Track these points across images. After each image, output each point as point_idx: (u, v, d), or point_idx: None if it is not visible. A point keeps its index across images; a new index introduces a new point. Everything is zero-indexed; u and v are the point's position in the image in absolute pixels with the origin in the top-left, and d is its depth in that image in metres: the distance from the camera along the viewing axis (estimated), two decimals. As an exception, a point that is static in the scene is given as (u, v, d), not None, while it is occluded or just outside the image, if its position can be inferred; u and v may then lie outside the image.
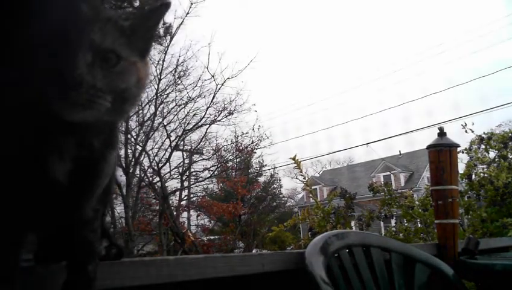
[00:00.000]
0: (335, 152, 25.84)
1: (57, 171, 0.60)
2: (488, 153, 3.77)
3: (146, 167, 10.34)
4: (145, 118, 10.07)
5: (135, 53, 0.62)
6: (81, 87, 0.53)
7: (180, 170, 12.02)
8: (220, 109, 10.74)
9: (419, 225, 3.50)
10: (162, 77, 9.88)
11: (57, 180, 0.60)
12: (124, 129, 8.37)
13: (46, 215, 0.66)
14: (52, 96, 0.53)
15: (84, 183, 0.65)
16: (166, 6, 0.64)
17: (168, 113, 10.38)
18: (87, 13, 0.57)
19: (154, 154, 10.34)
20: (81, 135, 0.61)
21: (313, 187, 3.42)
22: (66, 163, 0.60)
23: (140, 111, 9.93)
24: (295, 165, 3.26)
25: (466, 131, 3.89)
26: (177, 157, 11.93)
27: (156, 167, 9.86)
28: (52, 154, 0.60)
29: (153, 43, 0.72)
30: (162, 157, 10.33)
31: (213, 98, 10.30)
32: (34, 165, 0.59)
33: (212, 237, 14.00)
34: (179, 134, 10.46)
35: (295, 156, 3.22)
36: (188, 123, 10.48)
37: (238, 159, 13.65)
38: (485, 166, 3.61)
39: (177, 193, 12.42)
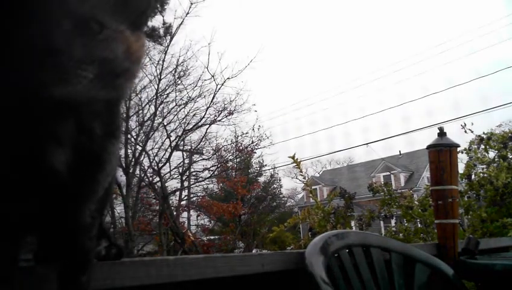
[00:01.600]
0: (335, 152, 25.83)
1: (56, 160, 0.57)
2: (488, 153, 3.77)
3: (146, 167, 10.35)
4: (145, 118, 10.08)
5: (124, 24, 0.58)
6: (56, 56, 0.49)
7: (180, 170, 12.02)
8: (220, 109, 10.74)
9: (419, 225, 3.50)
10: (162, 77, 9.88)
11: (55, 170, 0.57)
12: (124, 129, 8.37)
13: (45, 209, 0.63)
14: (29, 69, 0.49)
15: (86, 176, 0.62)
16: None
17: (168, 113, 10.38)
18: None
19: (154, 154, 10.35)
20: (78, 117, 0.58)
21: (313, 187, 3.42)
22: (65, 151, 0.58)
23: (140, 111, 9.94)
24: (295, 164, 3.26)
25: (466, 131, 3.90)
26: (177, 157, 11.95)
27: (156, 167, 9.86)
28: (50, 141, 0.57)
29: (149, 18, 0.69)
30: (162, 157, 10.33)
31: (213, 98, 10.30)
32: (30, 154, 0.56)
33: (212, 237, 14.00)
34: (179, 134, 10.47)
35: (294, 155, 3.22)
36: (188, 123, 10.49)
37: (238, 159, 13.65)
38: (484, 166, 3.61)
39: (177, 193, 12.42)
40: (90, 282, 0.68)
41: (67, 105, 0.55)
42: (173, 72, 10.11)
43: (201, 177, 13.18)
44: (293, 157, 3.22)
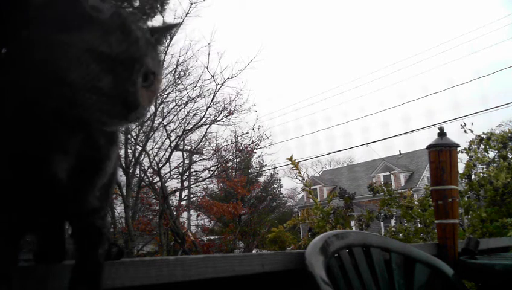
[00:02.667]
0: (335, 152, 25.89)
1: (60, 169, 0.61)
2: (488, 153, 3.77)
3: (146, 167, 10.34)
4: (145, 118, 10.05)
5: (160, 69, 0.66)
6: (137, 109, 0.57)
7: (180, 170, 12.02)
8: (220, 109, 10.74)
9: (419, 225, 3.50)
10: (162, 77, 9.85)
11: (58, 179, 0.61)
12: (124, 129, 8.37)
13: (45, 212, 0.66)
14: (110, 115, 0.56)
15: (87, 181, 0.66)
16: (177, 25, 0.70)
17: (168, 113, 10.38)
18: (141, 38, 0.60)
19: (154, 154, 10.34)
20: (88, 133, 0.63)
21: (312, 187, 3.43)
22: (70, 160, 0.61)
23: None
24: (293, 166, 3.26)
25: (466, 131, 3.90)
26: (177, 157, 11.95)
27: (156, 167, 9.85)
28: (58, 153, 0.60)
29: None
30: (162, 157, 10.33)
31: (213, 98, 10.30)
32: (36, 163, 0.60)
33: (212, 237, 13.99)
34: (179, 134, 10.46)
35: (291, 156, 3.22)
36: (188, 123, 10.49)
37: (238, 159, 13.65)
38: (484, 166, 3.61)
39: (177, 193, 12.42)
40: (105, 257, 0.72)
41: (87, 124, 0.60)
42: (173, 72, 10.12)
43: (201, 177, 13.19)
44: (290, 159, 3.22)
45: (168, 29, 0.74)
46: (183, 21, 9.49)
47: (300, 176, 3.42)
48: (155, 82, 0.63)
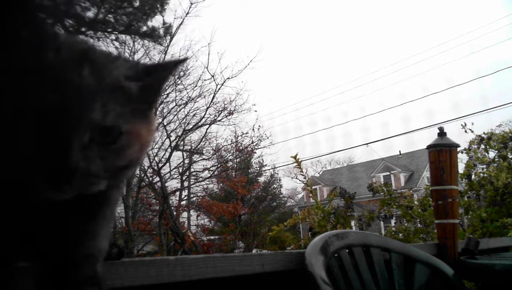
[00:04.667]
0: (335, 152, 25.90)
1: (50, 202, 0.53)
2: (488, 153, 3.77)
3: (146, 167, 10.34)
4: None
5: (141, 115, 0.54)
6: (74, 177, 0.46)
7: (180, 170, 12.03)
8: (220, 109, 10.75)
9: (419, 225, 3.50)
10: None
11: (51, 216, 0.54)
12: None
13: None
14: (39, 185, 0.46)
15: (82, 224, 0.59)
16: (184, 61, 0.59)
17: (168, 113, 10.39)
18: (89, 81, 0.47)
19: (154, 154, 10.34)
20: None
21: (313, 187, 3.41)
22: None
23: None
24: (296, 164, 3.25)
25: (466, 131, 3.90)
26: (177, 157, 11.96)
27: (156, 167, 9.86)
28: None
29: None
30: (162, 157, 10.34)
31: (213, 98, 10.30)
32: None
33: (212, 237, 14.00)
34: (179, 134, 10.47)
35: (296, 154, 3.22)
36: (188, 123, 10.49)
37: (238, 159, 13.65)
38: (484, 166, 3.61)
39: (177, 193, 12.43)
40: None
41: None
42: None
43: (201, 177, 13.20)
44: (295, 157, 3.22)
45: (175, 66, 0.58)
46: (183, 21, 9.51)
47: (302, 174, 3.42)
48: (123, 138, 0.50)
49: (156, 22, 9.31)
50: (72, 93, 0.45)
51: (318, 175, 27.90)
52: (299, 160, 3.23)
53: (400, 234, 3.52)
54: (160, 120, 10.13)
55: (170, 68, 0.58)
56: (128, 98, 0.51)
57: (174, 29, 9.65)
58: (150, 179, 10.37)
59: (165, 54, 9.73)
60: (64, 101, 0.45)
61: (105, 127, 0.48)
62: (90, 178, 0.48)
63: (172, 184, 12.30)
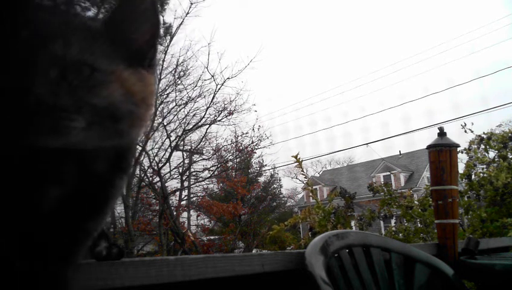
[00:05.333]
0: (335, 152, 25.89)
1: (51, 199, 0.54)
2: (488, 153, 3.77)
3: (146, 167, 10.35)
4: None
5: (119, 61, 0.53)
6: (41, 109, 0.45)
7: (180, 170, 12.03)
8: (220, 109, 10.76)
9: (419, 225, 3.50)
10: (162, 77, 9.89)
11: (52, 210, 0.54)
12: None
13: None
14: (13, 124, 0.45)
15: (87, 209, 0.59)
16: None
17: (168, 113, 10.39)
18: (50, 23, 0.49)
19: (154, 154, 10.35)
20: (82, 161, 0.55)
21: (313, 187, 3.41)
22: (66, 190, 0.55)
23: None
24: (296, 163, 3.25)
25: (466, 131, 3.90)
26: (177, 157, 11.96)
27: (156, 167, 9.86)
28: (51, 184, 0.53)
29: (157, 50, 0.60)
30: (162, 157, 10.34)
31: (213, 98, 10.31)
32: (28, 196, 0.52)
33: (212, 237, 14.00)
34: (179, 134, 10.47)
35: (297, 154, 3.21)
36: (188, 123, 10.50)
37: (238, 159, 13.65)
38: (484, 166, 3.61)
39: (177, 193, 12.43)
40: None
41: (68, 153, 0.51)
42: (173, 72, 10.13)
43: (201, 177, 13.21)
44: (295, 157, 3.21)
45: None
46: (183, 21, 9.52)
47: (303, 174, 3.42)
48: (97, 76, 0.50)
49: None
50: (34, 30, 0.47)
51: (318, 175, 27.90)
52: (300, 160, 3.23)
53: (400, 234, 3.52)
54: (160, 120, 10.14)
55: (137, 4, 0.56)
56: (95, 36, 0.51)
57: (174, 29, 9.66)
58: (150, 179, 10.37)
59: (165, 54, 9.74)
60: (27, 39, 0.46)
61: (72, 61, 0.48)
62: (60, 113, 0.47)
63: (172, 184, 12.31)
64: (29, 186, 0.52)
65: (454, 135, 2.32)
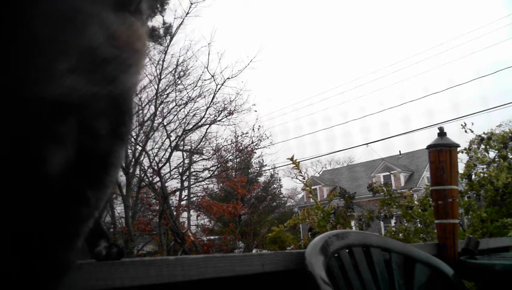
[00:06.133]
0: (335, 152, 25.91)
1: (55, 162, 0.50)
2: (488, 153, 3.77)
3: (146, 167, 10.36)
4: (145, 118, 10.09)
5: (104, 4, 0.52)
6: (16, 50, 0.44)
7: (180, 170, 12.04)
8: (220, 109, 10.77)
9: (419, 225, 3.49)
10: (162, 77, 9.90)
11: (53, 174, 0.50)
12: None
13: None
14: None
15: (91, 178, 0.56)
16: None
17: (168, 113, 10.40)
18: None
19: (154, 154, 10.36)
20: (78, 116, 0.52)
21: (312, 187, 3.41)
22: (67, 152, 0.51)
23: (140, 111, 9.95)
24: (293, 165, 3.25)
25: (466, 131, 3.90)
26: (177, 157, 11.97)
27: (156, 167, 9.87)
28: (48, 143, 0.50)
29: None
30: (162, 157, 10.35)
31: (213, 98, 10.32)
32: (25, 157, 0.49)
33: (212, 237, 14.01)
34: (179, 134, 10.48)
35: (293, 156, 3.21)
36: (188, 123, 10.51)
37: (238, 159, 13.66)
38: (484, 166, 3.61)
39: (177, 193, 12.43)
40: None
41: (61, 104, 0.49)
42: (173, 72, 10.14)
43: (201, 177, 13.22)
44: (291, 159, 3.21)
45: None
46: (183, 21, 9.52)
47: (301, 176, 3.42)
48: (80, 18, 0.49)
49: (156, 22, 9.33)
50: None
51: (318, 175, 27.91)
52: (297, 161, 3.23)
53: (400, 234, 3.52)
54: (160, 120, 10.15)
55: None
56: None
57: (174, 29, 9.67)
58: (150, 179, 10.38)
59: (165, 53, 9.75)
60: None
61: (54, 2, 0.47)
62: (43, 52, 0.46)
63: (172, 184, 12.33)
64: (30, 147, 0.49)
65: (454, 135, 2.32)
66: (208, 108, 10.38)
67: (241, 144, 12.55)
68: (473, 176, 3.54)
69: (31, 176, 0.50)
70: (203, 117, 10.45)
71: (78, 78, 0.48)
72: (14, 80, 0.44)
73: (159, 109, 10.11)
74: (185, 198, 13.74)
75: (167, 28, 9.66)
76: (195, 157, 12.55)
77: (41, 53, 0.45)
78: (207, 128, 10.98)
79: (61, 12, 0.48)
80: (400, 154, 22.15)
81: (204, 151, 12.25)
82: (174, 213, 10.70)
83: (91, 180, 0.56)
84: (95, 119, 0.54)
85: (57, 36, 0.47)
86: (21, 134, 0.48)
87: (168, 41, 9.77)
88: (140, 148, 9.92)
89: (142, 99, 10.02)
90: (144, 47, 0.57)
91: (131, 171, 9.75)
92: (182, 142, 11.09)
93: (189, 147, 11.97)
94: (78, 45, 0.48)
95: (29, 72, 0.45)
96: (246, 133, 12.06)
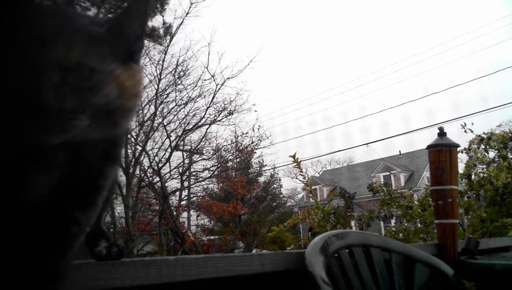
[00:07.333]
0: (335, 152, 25.90)
1: (38, 187, 0.55)
2: (488, 153, 3.77)
3: (146, 167, 10.36)
4: (145, 118, 10.09)
5: (115, 61, 0.56)
6: (48, 114, 0.49)
7: (180, 170, 12.03)
8: (220, 109, 10.77)
9: (419, 225, 3.49)
10: (162, 77, 9.90)
11: (37, 197, 0.55)
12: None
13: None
14: (19, 126, 0.48)
15: (80, 200, 0.60)
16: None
17: (168, 113, 10.40)
18: (52, 27, 0.52)
19: (154, 154, 10.36)
20: (73, 150, 0.57)
21: (313, 187, 3.41)
22: (53, 176, 0.56)
23: (140, 111, 9.94)
24: (295, 164, 3.25)
25: (466, 131, 3.90)
26: (177, 157, 11.97)
27: (156, 167, 9.86)
28: (38, 170, 0.55)
29: (145, 43, 0.65)
30: (162, 157, 10.35)
31: (213, 98, 10.32)
32: (12, 181, 0.54)
33: (212, 237, 14.00)
34: (179, 134, 10.48)
35: (295, 154, 3.21)
36: (188, 123, 10.51)
37: (238, 159, 13.66)
38: (484, 166, 3.61)
39: (177, 193, 12.43)
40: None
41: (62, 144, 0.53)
42: (173, 72, 10.13)
43: (201, 177, 13.21)
44: (293, 157, 3.21)
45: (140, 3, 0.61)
46: (183, 21, 9.52)
47: (301, 174, 3.42)
48: (96, 76, 0.53)
49: (156, 22, 9.32)
50: (39, 37, 0.49)
51: (318, 175, 27.90)
52: (298, 160, 3.23)
53: (400, 234, 3.52)
54: (160, 120, 10.14)
55: (137, 7, 0.59)
56: (95, 39, 0.54)
57: (174, 29, 9.66)
58: (150, 179, 10.38)
59: (165, 53, 9.75)
60: (32, 45, 0.49)
61: (72, 64, 0.51)
62: (67, 115, 0.50)
63: (172, 184, 12.32)
64: (17, 174, 0.54)
65: (454, 135, 2.32)
66: (207, 108, 10.38)
67: (241, 144, 12.55)
68: (473, 176, 3.54)
69: (13, 198, 0.54)
70: (203, 117, 10.46)
71: (91, 128, 0.54)
72: (40, 131, 0.50)
73: (159, 109, 10.12)
74: (185, 198, 13.74)
75: (167, 28, 9.66)
76: (195, 157, 12.55)
77: (65, 116, 0.51)
78: (207, 129, 10.99)
79: (82, 74, 0.52)
80: (400, 154, 22.14)
81: (204, 151, 12.25)
82: (174, 213, 10.70)
83: (80, 202, 0.61)
84: (87, 153, 0.59)
85: (78, 98, 0.52)
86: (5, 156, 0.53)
87: (168, 41, 9.77)
88: (140, 148, 9.93)
89: (142, 99, 10.01)
90: (141, 89, 0.62)
91: (131, 171, 9.75)
92: (182, 142, 11.09)
93: (189, 147, 11.97)
94: (97, 103, 0.53)
95: (52, 129, 0.50)
96: (246, 133, 12.07)
